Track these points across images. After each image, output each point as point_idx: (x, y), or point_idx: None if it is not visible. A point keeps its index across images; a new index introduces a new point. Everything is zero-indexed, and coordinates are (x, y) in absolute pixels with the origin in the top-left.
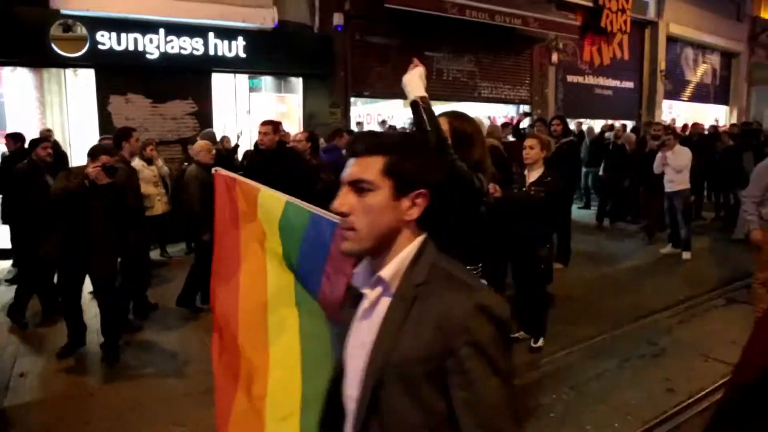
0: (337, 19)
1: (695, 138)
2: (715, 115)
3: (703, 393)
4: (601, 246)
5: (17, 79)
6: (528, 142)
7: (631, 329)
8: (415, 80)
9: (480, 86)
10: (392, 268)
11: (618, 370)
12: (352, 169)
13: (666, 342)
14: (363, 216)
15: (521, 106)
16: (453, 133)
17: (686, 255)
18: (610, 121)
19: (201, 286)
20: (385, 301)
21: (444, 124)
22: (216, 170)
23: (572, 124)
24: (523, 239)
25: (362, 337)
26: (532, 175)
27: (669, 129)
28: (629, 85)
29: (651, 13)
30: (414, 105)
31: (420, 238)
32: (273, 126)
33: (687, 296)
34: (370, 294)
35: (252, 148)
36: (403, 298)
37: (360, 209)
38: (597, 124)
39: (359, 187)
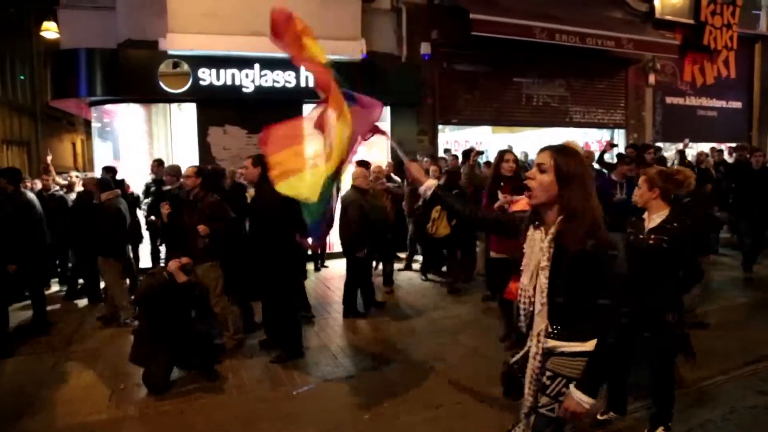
0: (425, 48)
1: None
2: None
3: None
4: None
5: (129, 113)
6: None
7: (739, 375)
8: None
9: (572, 111)
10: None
11: (723, 422)
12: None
13: None
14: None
15: (616, 131)
16: (557, 169)
17: None
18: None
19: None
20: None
21: (547, 159)
22: None
23: (672, 149)
24: (647, 301)
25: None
26: (653, 219)
27: None
28: (737, 105)
29: (762, 27)
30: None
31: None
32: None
33: None
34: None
35: None
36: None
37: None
38: (701, 148)
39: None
